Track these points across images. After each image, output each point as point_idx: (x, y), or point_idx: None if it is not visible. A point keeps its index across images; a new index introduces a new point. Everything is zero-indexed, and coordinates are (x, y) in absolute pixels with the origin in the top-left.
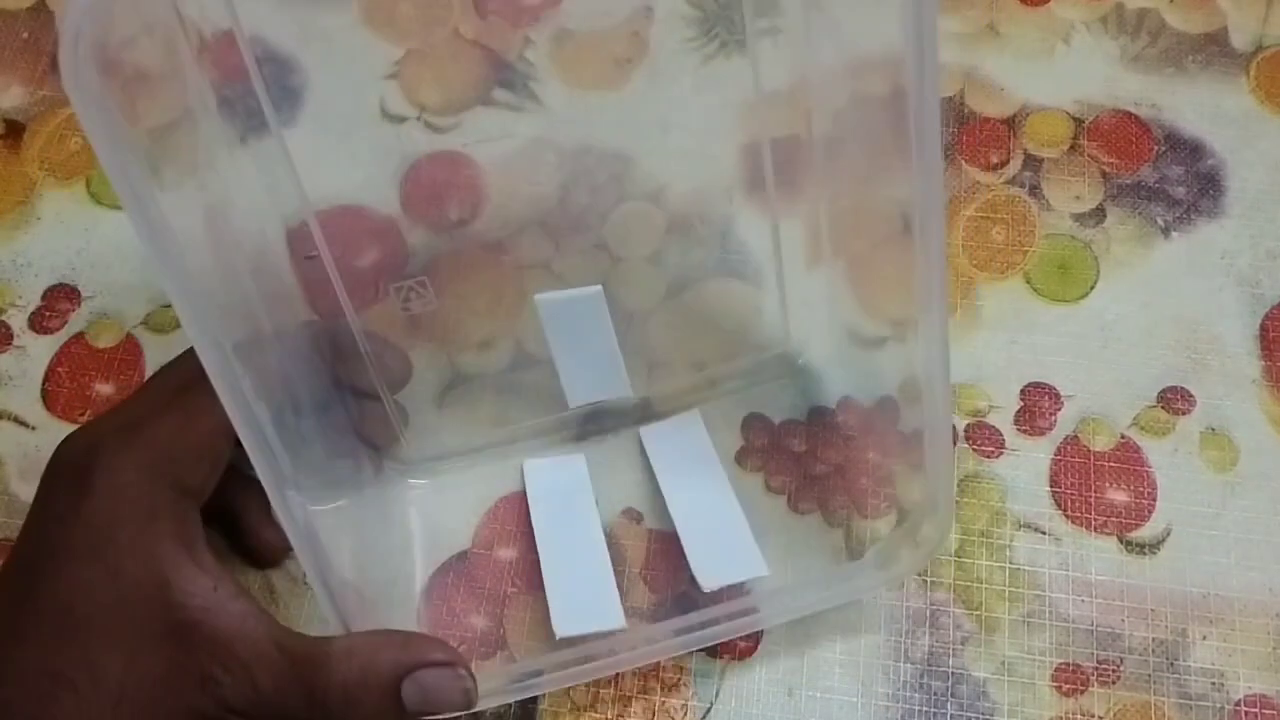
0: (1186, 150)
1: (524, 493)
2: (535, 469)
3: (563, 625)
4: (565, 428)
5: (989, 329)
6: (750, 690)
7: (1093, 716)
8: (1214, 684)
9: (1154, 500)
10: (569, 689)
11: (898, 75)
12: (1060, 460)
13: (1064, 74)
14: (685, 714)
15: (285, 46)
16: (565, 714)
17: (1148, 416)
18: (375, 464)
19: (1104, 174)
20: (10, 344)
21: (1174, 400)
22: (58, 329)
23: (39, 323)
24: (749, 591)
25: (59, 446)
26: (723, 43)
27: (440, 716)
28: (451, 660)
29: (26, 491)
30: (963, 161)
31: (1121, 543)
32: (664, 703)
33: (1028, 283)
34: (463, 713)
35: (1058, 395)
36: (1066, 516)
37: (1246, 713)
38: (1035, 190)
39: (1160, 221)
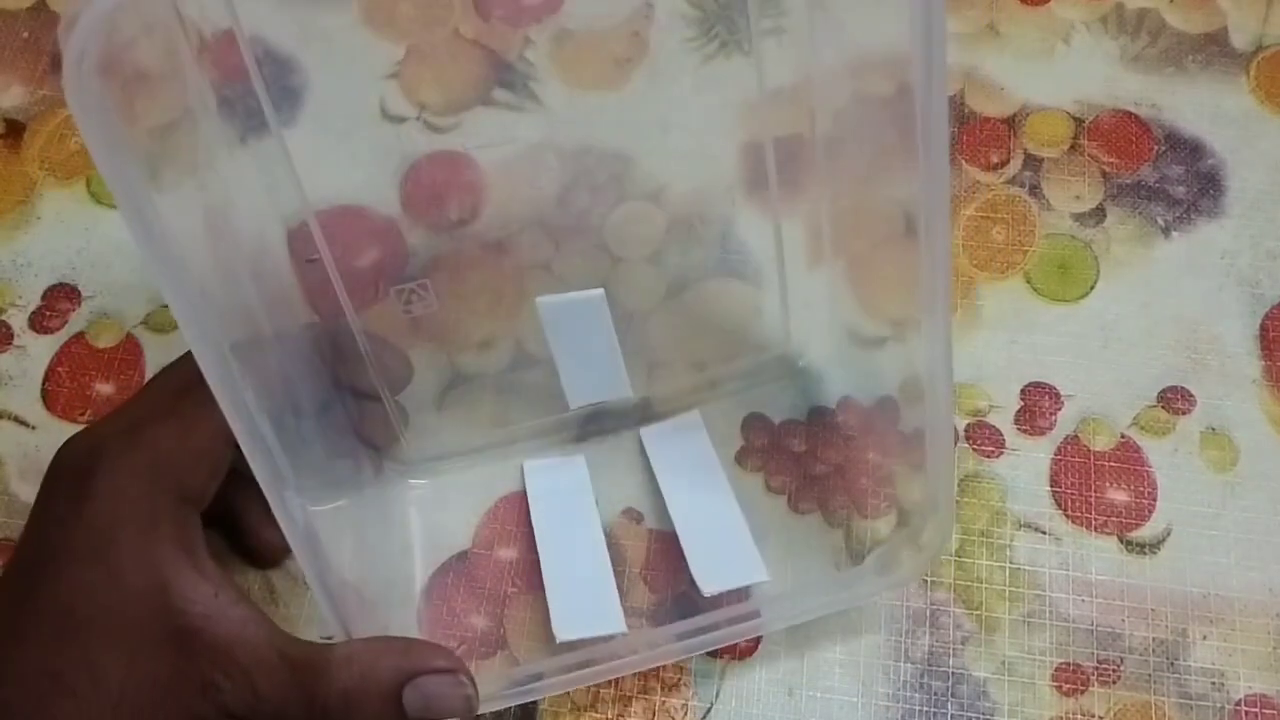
0: (1186, 150)
1: (524, 493)
2: (535, 470)
3: (562, 629)
4: (565, 428)
5: (989, 329)
6: (750, 690)
7: (1093, 716)
8: (1214, 684)
9: (1154, 500)
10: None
11: (902, 75)
12: (1060, 460)
13: (1064, 74)
14: (685, 714)
15: (285, 46)
16: (565, 714)
17: (1148, 416)
18: (375, 464)
19: (1104, 174)
20: (10, 344)
21: (1174, 400)
22: (58, 329)
23: (39, 322)
24: (750, 596)
25: (60, 450)
26: (723, 43)
27: None
28: (453, 667)
29: (27, 491)
30: (963, 161)
31: (1122, 543)
32: (664, 703)
33: (1028, 282)
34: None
35: (1058, 395)
36: (1067, 516)
37: (1246, 713)
38: (1035, 190)
39: (1160, 221)
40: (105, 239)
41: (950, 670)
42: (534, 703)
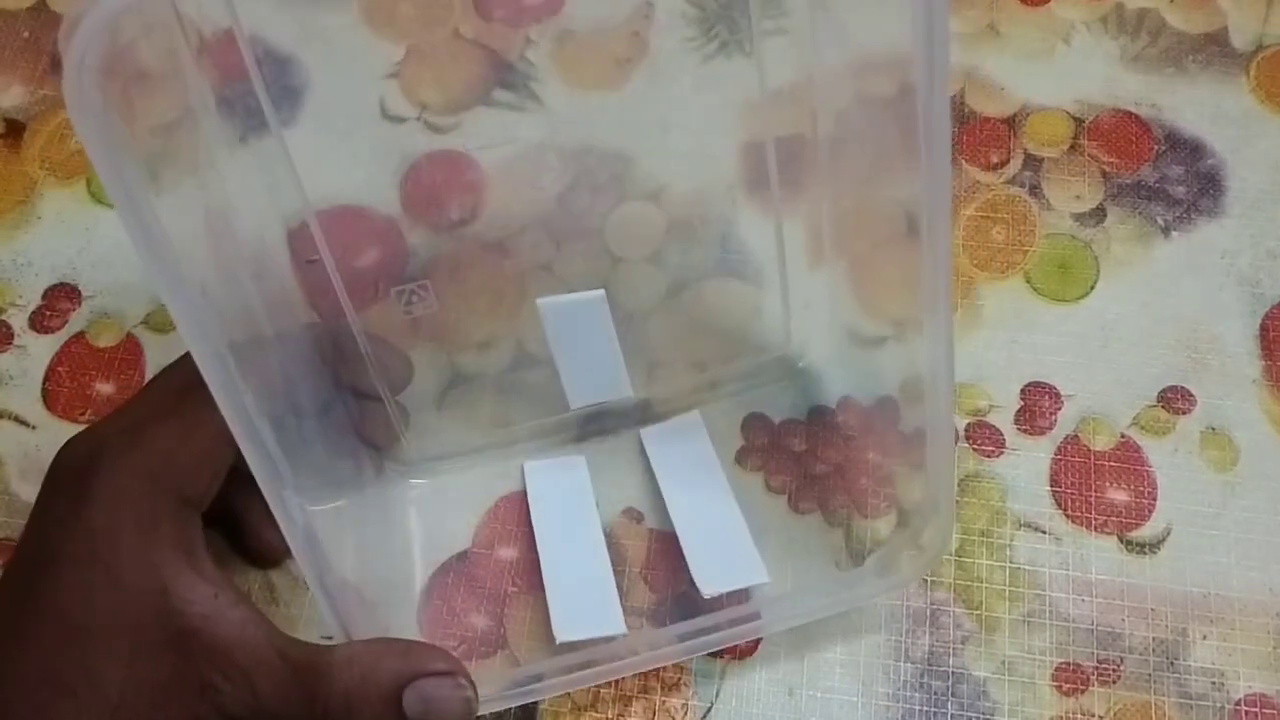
0: (1186, 150)
1: (525, 493)
2: (535, 470)
3: (563, 630)
4: (566, 428)
5: (989, 328)
6: (751, 690)
7: (1093, 716)
8: (1214, 684)
9: (1154, 500)
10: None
11: (903, 75)
12: (1060, 460)
13: (1064, 74)
14: (685, 714)
15: (285, 46)
16: (566, 714)
17: (1148, 416)
18: (376, 464)
19: (1104, 174)
20: (10, 343)
21: (1174, 400)
22: (58, 328)
23: (39, 322)
24: (750, 597)
25: (60, 451)
26: (723, 42)
27: None
28: (452, 669)
29: (27, 491)
30: (963, 161)
31: (1121, 542)
32: (664, 702)
33: (1028, 282)
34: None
35: (1058, 395)
36: (1067, 516)
37: (1246, 712)
38: (1035, 190)
39: (1160, 221)
40: (105, 239)
41: (950, 670)
42: (534, 703)
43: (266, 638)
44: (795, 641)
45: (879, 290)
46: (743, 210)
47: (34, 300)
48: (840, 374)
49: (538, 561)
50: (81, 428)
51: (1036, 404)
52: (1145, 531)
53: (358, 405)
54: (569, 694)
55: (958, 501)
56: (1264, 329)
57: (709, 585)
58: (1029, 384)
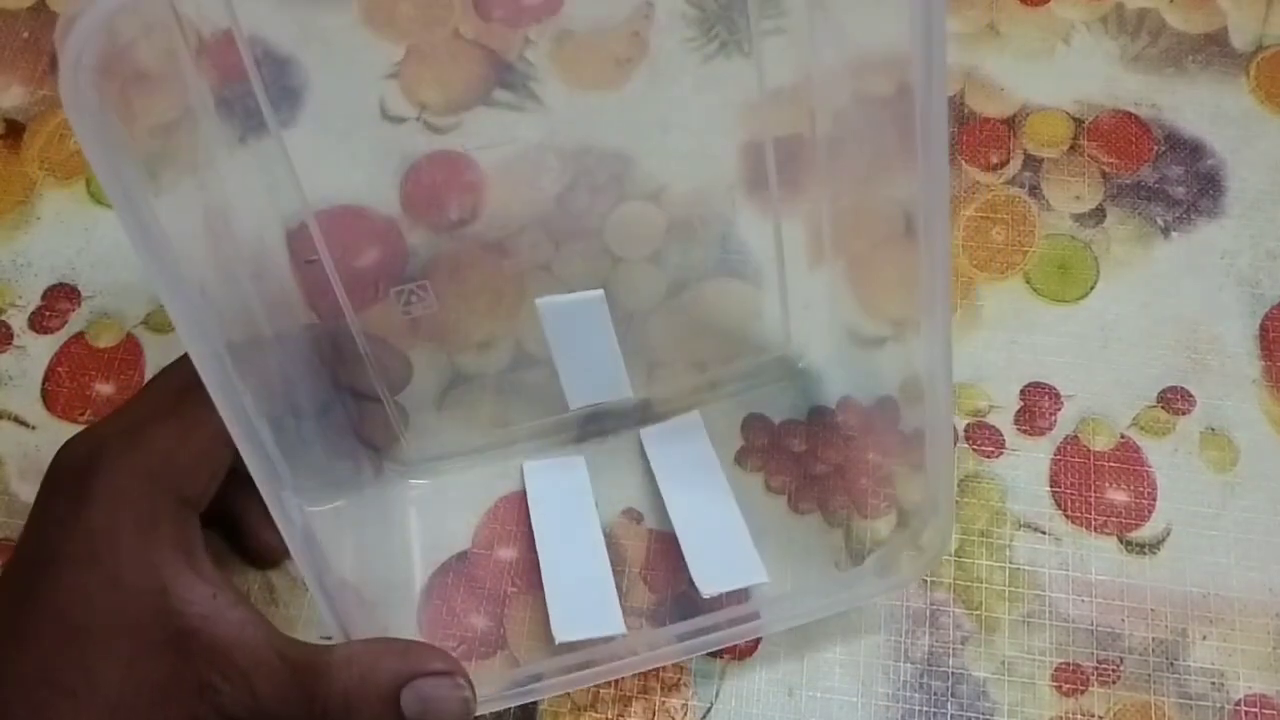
0: (1186, 150)
1: (524, 493)
2: (535, 471)
3: (562, 630)
4: (565, 429)
5: (989, 329)
6: (750, 690)
7: (1093, 716)
8: (1214, 684)
9: (1154, 500)
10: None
11: (902, 75)
12: (1060, 460)
13: (1064, 74)
14: (685, 714)
15: (285, 46)
16: (565, 714)
17: (1148, 416)
18: (375, 465)
19: (1104, 174)
20: (10, 344)
21: (1174, 400)
22: (58, 329)
23: (39, 322)
24: (750, 597)
25: (59, 451)
26: (723, 43)
27: None
28: (451, 669)
29: (27, 491)
30: (963, 161)
31: (1121, 543)
32: (664, 703)
33: (1028, 283)
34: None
35: (1058, 395)
36: (1066, 516)
37: (1246, 713)
38: (1035, 190)
39: (1160, 221)
40: (105, 239)
41: (950, 670)
42: (534, 703)
43: (265, 638)
44: (795, 642)
45: (878, 290)
46: (742, 210)
47: (34, 300)
48: (840, 374)
49: (537, 562)
50: (81, 428)
51: (1036, 404)
52: (1145, 532)
53: (357, 406)
54: (568, 694)
55: (957, 502)
56: (1264, 329)
57: (708, 585)
58: (1029, 384)
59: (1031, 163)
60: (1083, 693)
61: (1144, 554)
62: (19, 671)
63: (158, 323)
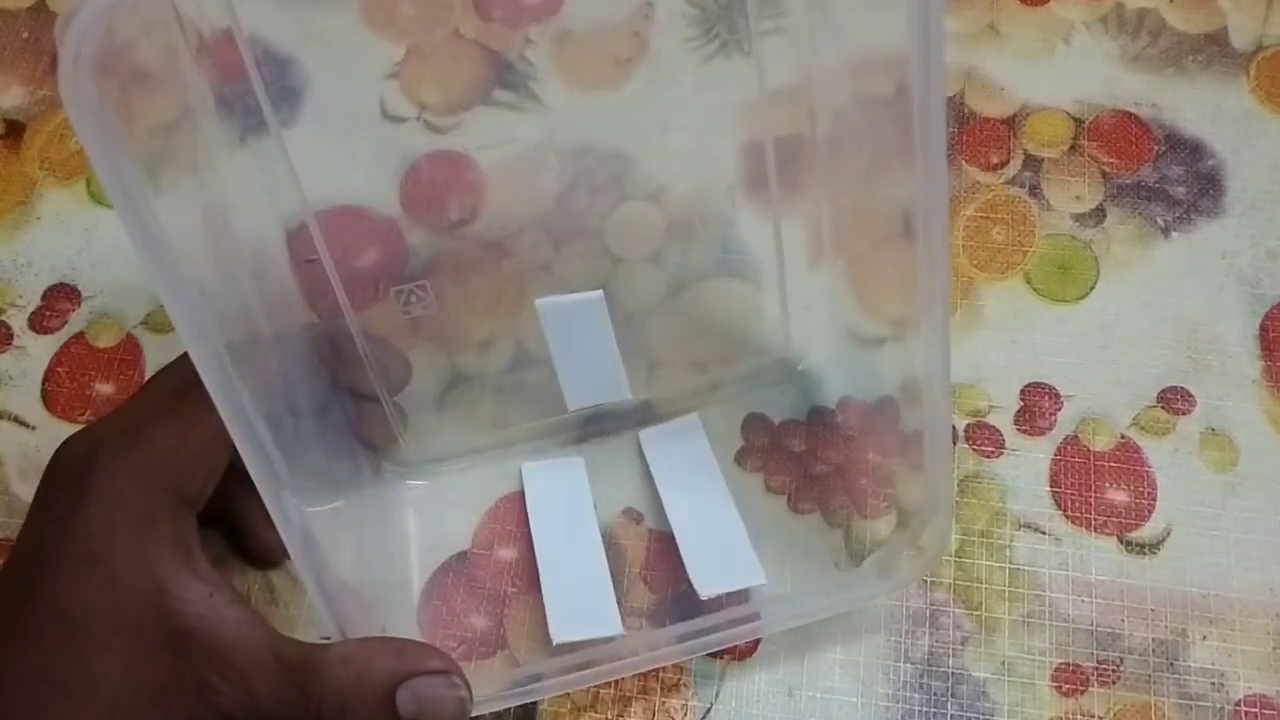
0: (1187, 150)
1: (524, 493)
2: (534, 472)
3: (560, 631)
4: (565, 430)
5: (989, 329)
6: (750, 691)
7: (1093, 716)
8: (1214, 684)
9: (1154, 500)
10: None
11: (901, 75)
12: (1060, 460)
13: (1064, 74)
14: (685, 714)
15: (285, 46)
16: (565, 714)
17: (1148, 416)
18: (374, 465)
19: (1104, 174)
20: (10, 344)
21: (1174, 400)
22: (58, 329)
23: (39, 322)
24: (750, 598)
25: (58, 450)
26: (723, 43)
27: None
28: (446, 668)
29: (26, 491)
30: (963, 161)
31: (1121, 543)
32: (664, 703)
33: (1028, 283)
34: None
35: (1058, 395)
36: (1066, 516)
37: (1246, 713)
38: (1035, 190)
39: (1160, 221)
40: (105, 239)
41: (950, 670)
42: (534, 703)
43: (262, 638)
44: (795, 642)
45: (878, 290)
46: (742, 210)
47: (34, 300)
48: (840, 374)
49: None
50: (81, 428)
51: (1036, 404)
52: (1145, 532)
53: (356, 406)
54: (568, 694)
55: (957, 502)
56: (1264, 329)
57: (706, 587)
58: (1029, 384)
59: (1032, 163)
60: (1083, 693)
61: (1144, 554)
62: (17, 671)
63: (158, 323)
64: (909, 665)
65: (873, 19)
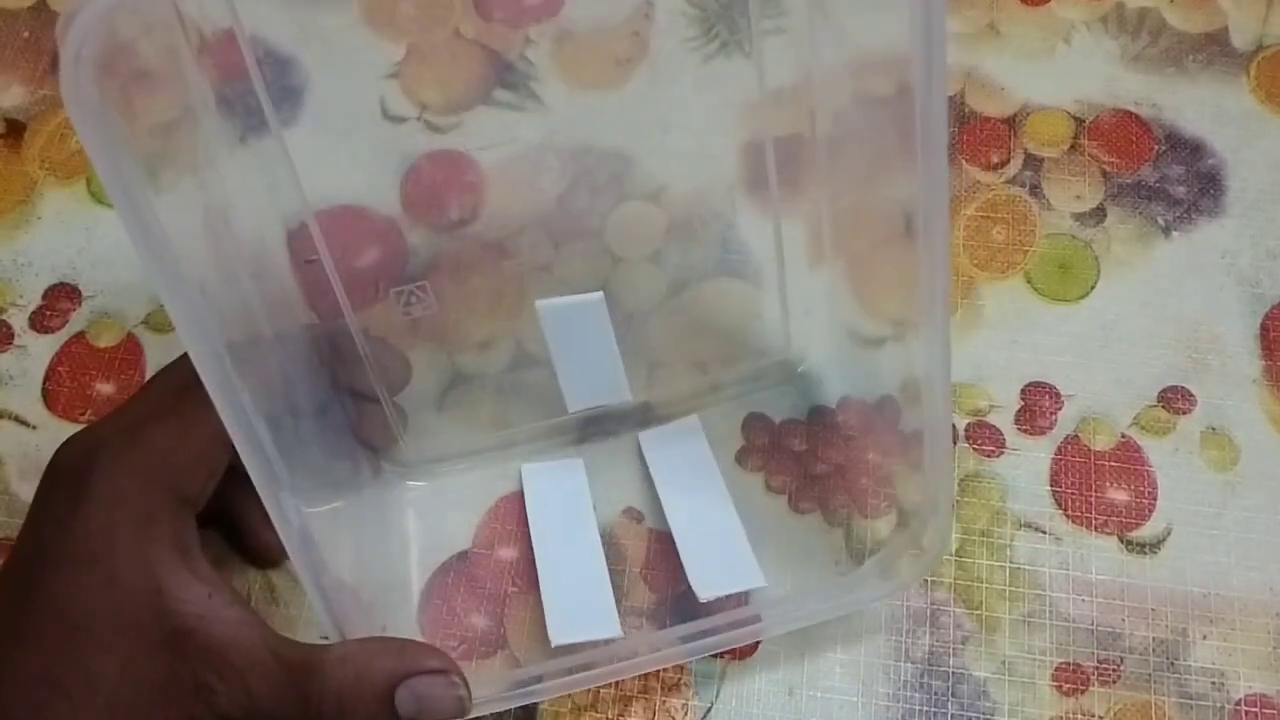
0: (1187, 150)
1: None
2: (533, 473)
3: (558, 633)
4: (565, 431)
5: (989, 328)
6: (751, 690)
7: (1093, 716)
8: (1214, 683)
9: (1154, 500)
10: None
11: (902, 75)
12: (1060, 460)
13: (1064, 74)
14: (686, 714)
15: (285, 46)
16: (566, 714)
17: (1148, 416)
18: (373, 466)
19: (1104, 174)
20: (11, 343)
21: (1174, 400)
22: (58, 328)
23: (39, 322)
24: (751, 599)
25: (58, 450)
26: (723, 43)
27: None
28: (445, 668)
29: (27, 491)
30: (963, 161)
31: (1122, 542)
32: (664, 703)
33: (1028, 282)
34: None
35: (1058, 395)
36: (1067, 516)
37: (1246, 712)
38: (1036, 190)
39: (1161, 221)
40: (106, 239)
41: (950, 670)
42: (535, 703)
43: (261, 638)
44: (795, 642)
45: (878, 290)
46: (742, 210)
47: (34, 300)
48: (840, 374)
49: None
50: (81, 428)
51: (1037, 404)
52: (1145, 531)
53: (355, 406)
54: (569, 694)
55: (958, 501)
56: (1264, 329)
57: (705, 589)
58: (1029, 384)
59: (1032, 162)
60: (1083, 692)
61: (1144, 554)
62: (17, 671)
63: (158, 323)
64: (909, 665)
65: (873, 19)
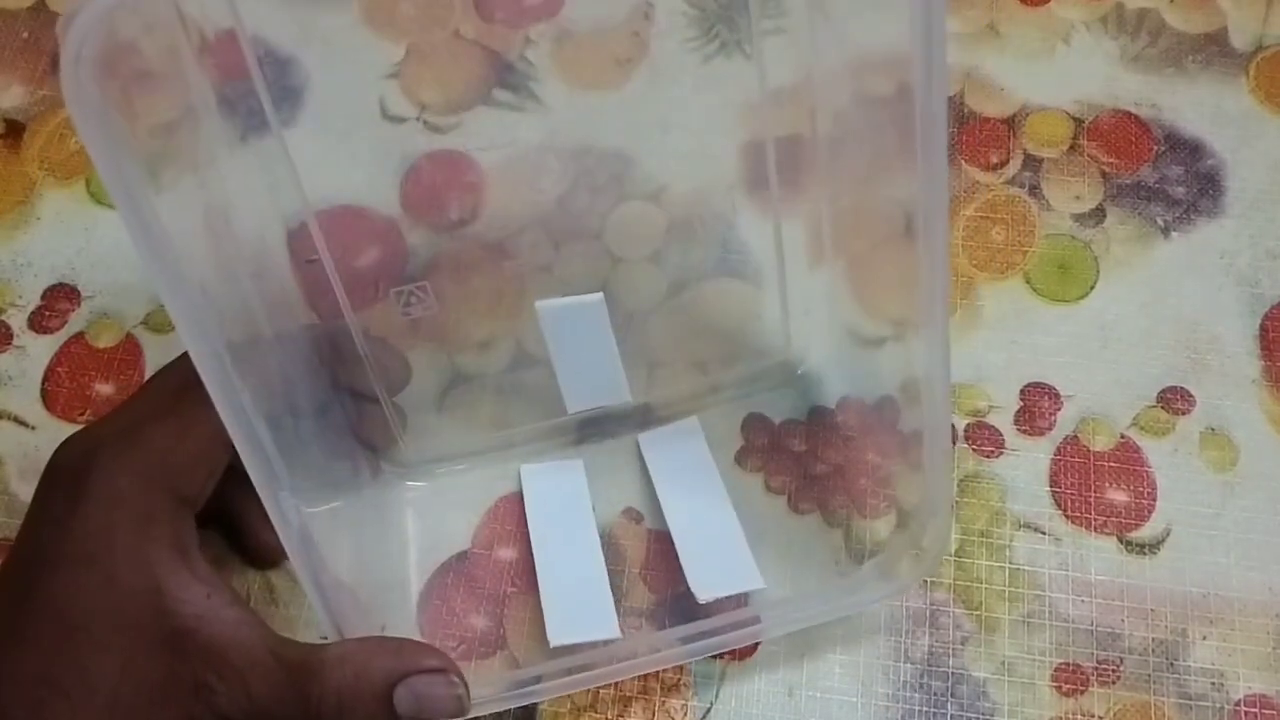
0: (1186, 150)
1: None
2: (532, 474)
3: (557, 634)
4: (564, 432)
5: (989, 329)
6: (750, 691)
7: (1093, 716)
8: (1214, 684)
9: (1154, 500)
10: None
11: (902, 75)
12: (1060, 460)
13: (1064, 74)
14: (685, 714)
15: (286, 46)
16: (565, 714)
17: (1148, 416)
18: (373, 466)
19: (1104, 174)
20: (10, 344)
21: (1174, 400)
22: (57, 329)
23: (39, 322)
24: (751, 601)
25: (56, 450)
26: (723, 43)
27: None
28: (444, 667)
29: (26, 491)
30: (963, 161)
31: (1121, 543)
32: (664, 703)
33: (1028, 283)
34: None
35: (1057, 395)
36: (1066, 516)
37: (1246, 713)
38: (1035, 190)
39: (1160, 221)
40: (105, 239)
41: (950, 670)
42: (534, 703)
43: (260, 638)
44: (795, 643)
45: (878, 290)
46: (742, 210)
47: (33, 300)
48: (840, 374)
49: None
50: (80, 428)
51: (1036, 404)
52: (1145, 532)
53: (355, 406)
54: (569, 695)
55: (957, 502)
56: (1264, 329)
57: (704, 591)
58: (1028, 384)
59: (1031, 162)
60: (1083, 693)
61: (1144, 554)
62: (16, 671)
63: (158, 323)
64: (909, 665)
65: (873, 19)
